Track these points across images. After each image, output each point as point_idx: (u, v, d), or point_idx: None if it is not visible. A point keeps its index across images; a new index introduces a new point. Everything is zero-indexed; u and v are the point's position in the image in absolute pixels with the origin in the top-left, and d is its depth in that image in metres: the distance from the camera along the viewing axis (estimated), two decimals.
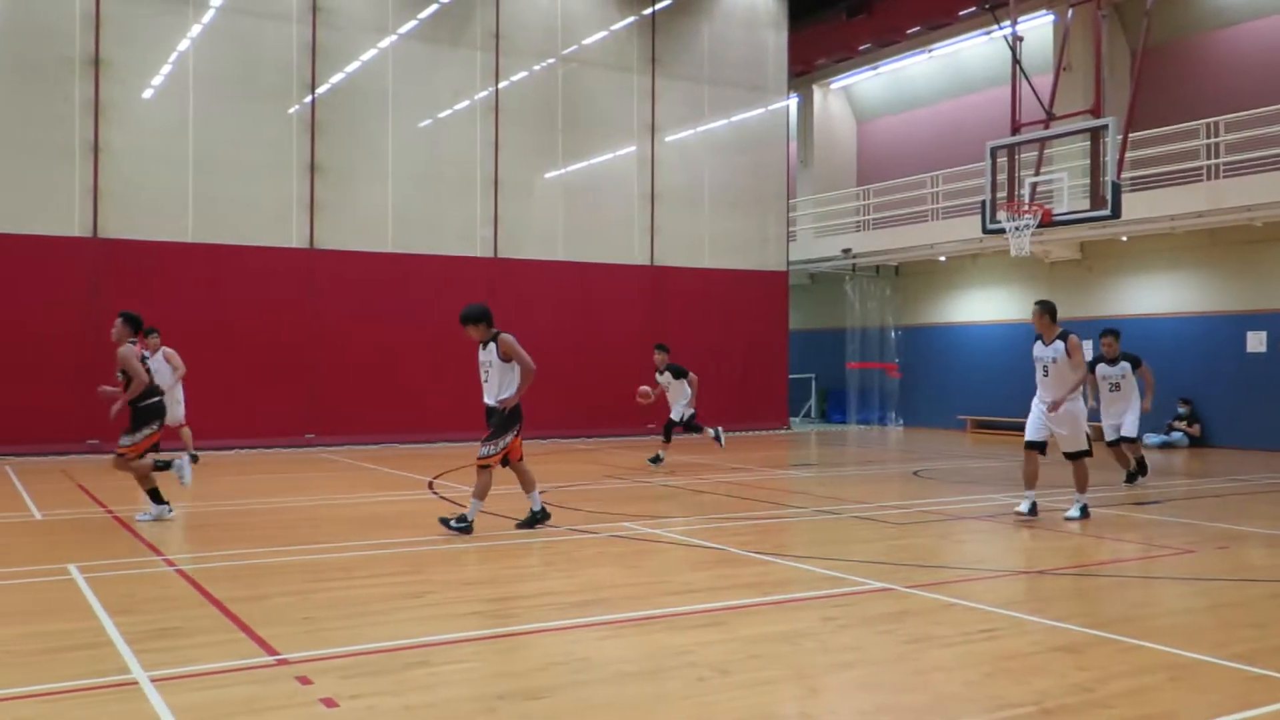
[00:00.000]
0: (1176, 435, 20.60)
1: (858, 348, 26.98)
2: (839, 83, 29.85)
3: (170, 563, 8.17)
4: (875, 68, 28.47)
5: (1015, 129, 17.33)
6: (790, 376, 25.60)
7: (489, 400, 9.62)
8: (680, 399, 16.47)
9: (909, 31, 26.44)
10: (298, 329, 19.32)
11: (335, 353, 19.54)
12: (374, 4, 20.38)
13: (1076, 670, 5.36)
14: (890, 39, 27.01)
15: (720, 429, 16.99)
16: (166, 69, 18.72)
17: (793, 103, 28.39)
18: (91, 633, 6.03)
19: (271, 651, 5.60)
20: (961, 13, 24.73)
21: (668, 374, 16.48)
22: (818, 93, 29.84)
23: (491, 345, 9.59)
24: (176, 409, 14.79)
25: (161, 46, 18.65)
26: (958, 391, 25.27)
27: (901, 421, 26.62)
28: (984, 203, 17.44)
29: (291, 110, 19.56)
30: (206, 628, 6.19)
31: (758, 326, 24.27)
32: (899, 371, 26.57)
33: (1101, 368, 13.86)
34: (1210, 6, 22.49)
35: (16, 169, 17.41)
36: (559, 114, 22.13)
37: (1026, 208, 16.88)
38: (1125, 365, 13.77)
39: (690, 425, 16.64)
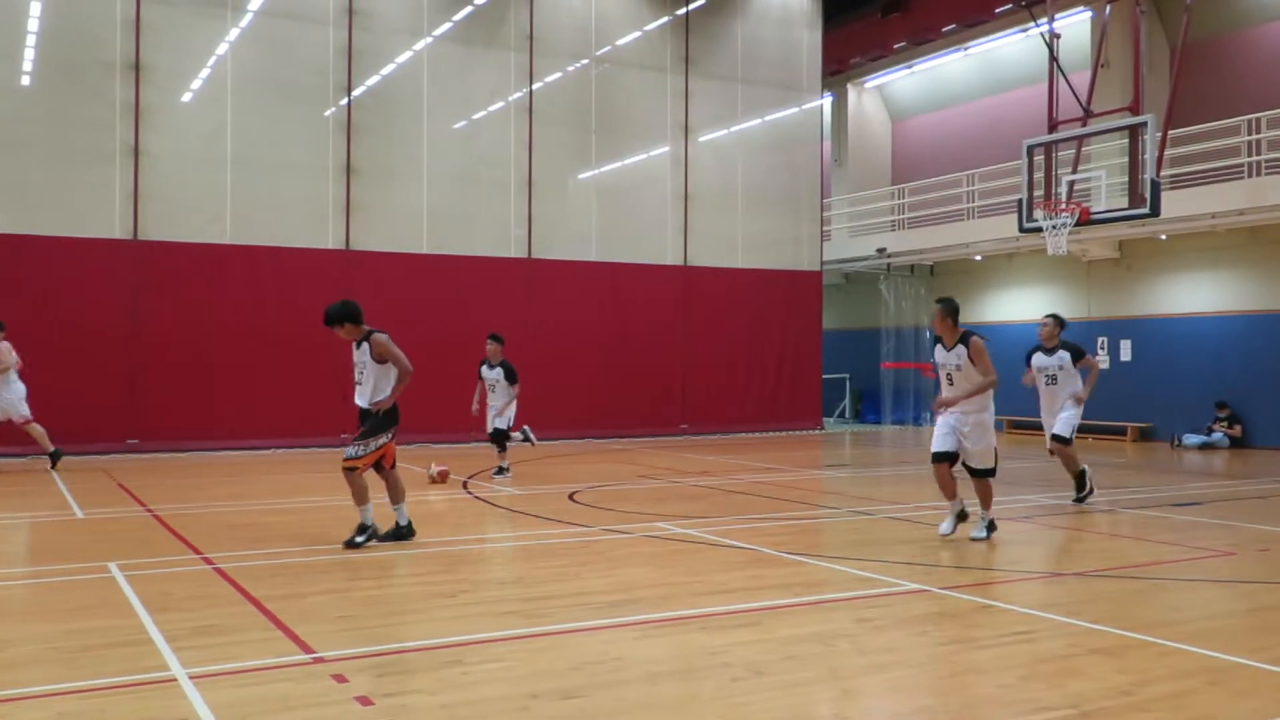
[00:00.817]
0: (1217, 436, 20.34)
1: (892, 347, 26.83)
2: (873, 81, 29.70)
3: (208, 561, 8.26)
4: (910, 66, 28.31)
5: (1052, 127, 17.18)
6: (824, 376, 25.50)
7: (361, 402, 8.98)
8: (500, 401, 14.41)
9: (944, 29, 26.27)
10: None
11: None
12: (409, 7, 20.50)
13: (1115, 673, 5.31)
14: (925, 37, 26.85)
15: (528, 427, 15.12)
16: (205, 73, 18.93)
17: (827, 102, 28.30)
18: (131, 630, 6.11)
19: (308, 650, 5.65)
20: (998, 10, 24.53)
21: (499, 370, 14.35)
22: (852, 91, 29.72)
23: (365, 345, 9.00)
24: (16, 404, 14.95)
25: (200, 51, 18.85)
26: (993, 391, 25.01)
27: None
28: (1020, 201, 17.30)
29: (328, 113, 19.72)
30: (244, 625, 6.25)
31: (791, 326, 24.18)
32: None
33: (1038, 358, 11.96)
34: (1252, 2, 22.18)
35: (60, 173, 17.66)
36: (592, 115, 22.17)
37: (1064, 206, 16.73)
38: (1064, 355, 11.80)
39: (505, 434, 14.52)
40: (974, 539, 9.22)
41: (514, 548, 9.05)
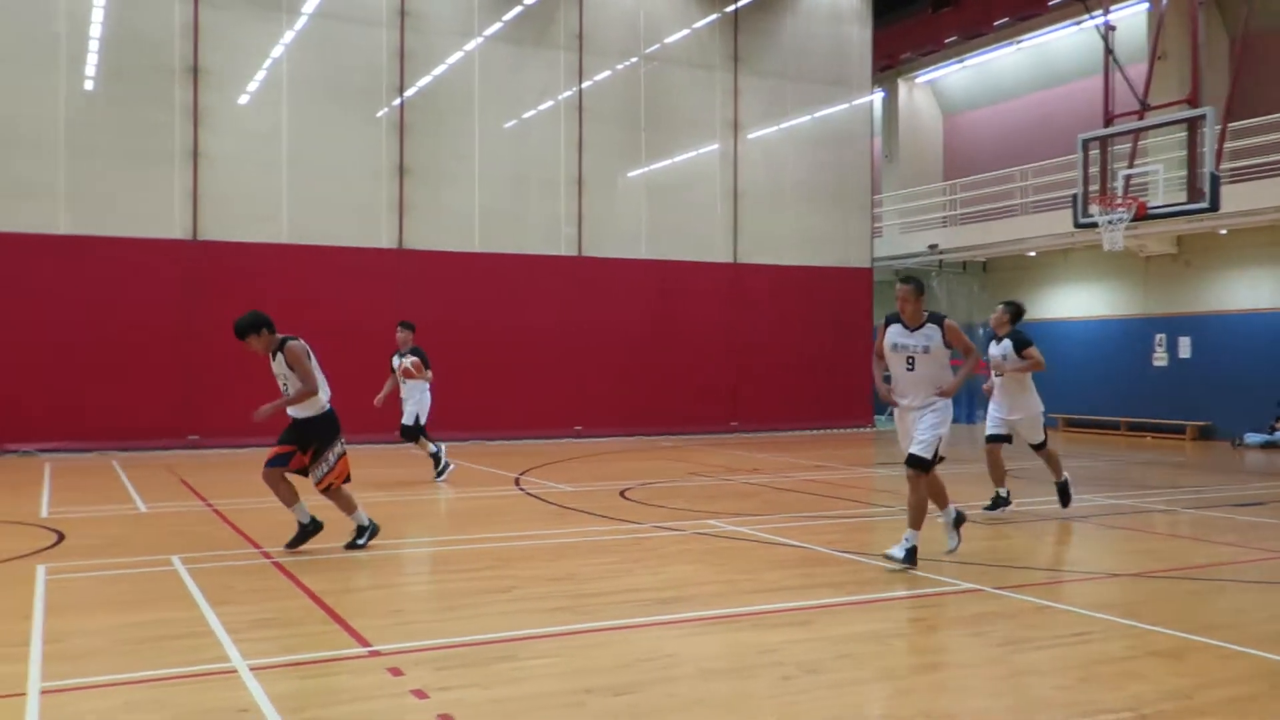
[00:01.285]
0: None
1: None
2: (924, 76, 29.44)
3: (267, 555, 8.40)
4: (962, 60, 28.02)
5: (1108, 120, 16.93)
6: None
7: (295, 414, 8.56)
8: (415, 393, 13.72)
9: (996, 23, 25.97)
10: (385, 327, 19.61)
11: (423, 350, 19.80)
12: (460, 7, 20.65)
13: (1174, 676, 5.24)
14: (977, 31, 26.55)
15: (445, 459, 13.86)
16: (261, 75, 19.21)
17: (877, 97, 28.09)
18: (193, 622, 6.24)
19: (364, 643, 5.74)
20: (1051, 2, 24.21)
21: (410, 358, 13.61)
22: (902, 87, 29.48)
23: (280, 356, 8.51)
24: None
25: (256, 54, 19.14)
26: (1049, 389, 24.43)
27: None
28: (1075, 196, 17.07)
29: (380, 113, 19.93)
30: (301, 619, 6.36)
31: (842, 323, 24.05)
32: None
33: (990, 347, 10.96)
34: None
35: (123, 175, 18.01)
36: (641, 112, 22.20)
37: (1120, 201, 16.48)
38: (1007, 345, 10.73)
39: (417, 430, 13.71)
40: (949, 551, 8.25)
41: (565, 544, 9.10)
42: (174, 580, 7.44)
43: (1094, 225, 16.81)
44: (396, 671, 5.22)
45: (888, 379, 8.18)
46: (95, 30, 18.01)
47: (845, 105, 24.41)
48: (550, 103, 21.43)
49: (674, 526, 9.90)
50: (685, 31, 22.63)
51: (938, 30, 27.15)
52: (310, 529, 8.61)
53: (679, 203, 22.61)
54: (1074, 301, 24.68)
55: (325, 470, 8.51)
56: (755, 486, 13.37)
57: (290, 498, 8.53)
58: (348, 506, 8.68)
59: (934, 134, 30.04)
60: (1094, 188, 16.72)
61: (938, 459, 7.92)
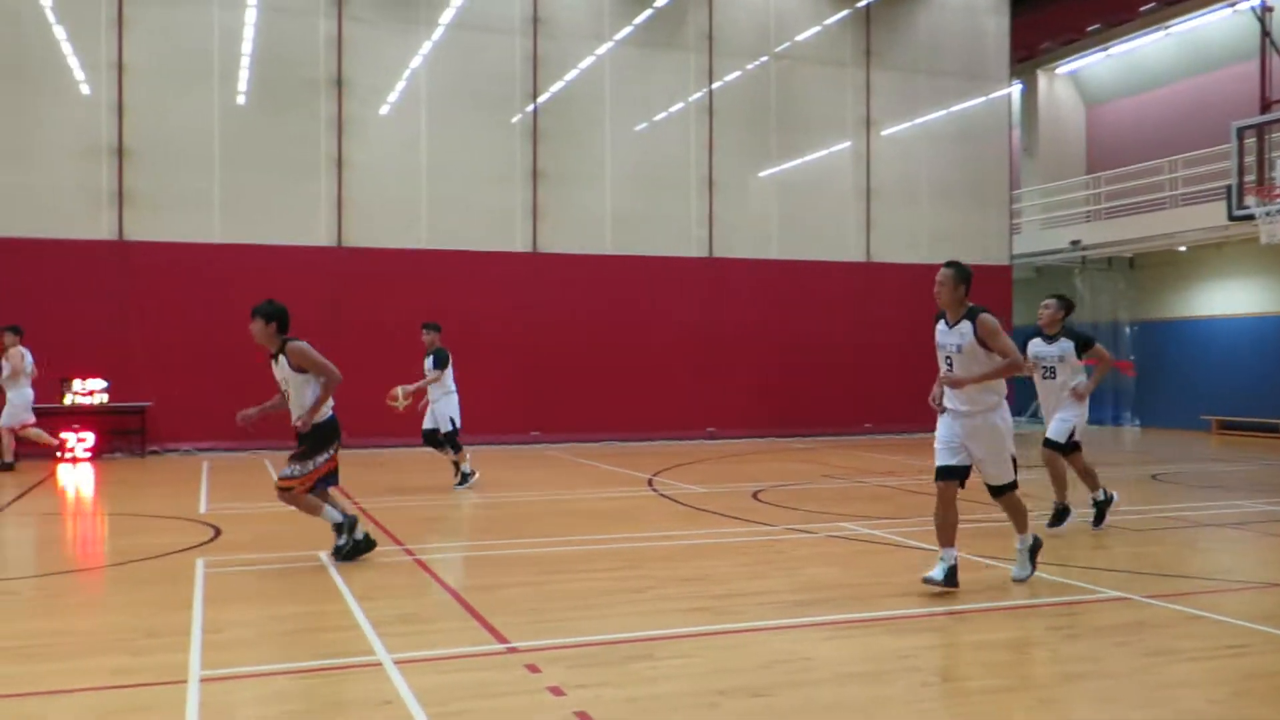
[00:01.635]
0: None
1: None
2: (1065, 66, 28.49)
3: (409, 552, 8.66)
4: (1106, 48, 27.02)
5: (1265, 106, 16.16)
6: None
7: (295, 420, 8.20)
8: (440, 397, 13.12)
9: (1142, 9, 24.97)
10: (522, 330, 20.06)
11: (556, 352, 20.17)
12: (591, 12, 20.91)
13: None
14: (1122, 18, 25.58)
15: (470, 469, 13.22)
16: (400, 86, 19.81)
17: (1015, 90, 27.30)
18: (340, 615, 6.48)
19: (502, 640, 5.87)
20: None
21: (430, 360, 13.15)
22: (1042, 78, 28.58)
23: (282, 357, 8.16)
24: (21, 411, 15.62)
25: (396, 65, 19.75)
26: (1201, 390, 23.70)
27: (1138, 422, 25.17)
28: (1230, 187, 16.33)
29: (515, 119, 20.33)
30: (442, 615, 6.54)
31: None
32: (1134, 369, 25.13)
33: (1035, 345, 9.85)
34: None
35: (272, 184, 18.83)
36: (772, 112, 22.10)
37: (1279, 191, 15.69)
38: (1066, 345, 9.69)
39: (448, 438, 13.07)
40: (1016, 579, 7.40)
41: (698, 545, 9.12)
42: (322, 575, 7.73)
43: (1250, 217, 16.07)
44: (534, 668, 5.33)
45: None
46: (246, 48, 18.86)
47: (982, 99, 23.82)
48: (680, 105, 21.51)
49: (807, 529, 9.83)
50: (816, 29, 22.43)
51: (1079, 18, 26.26)
52: (364, 545, 8.18)
53: (810, 202, 22.42)
54: (1228, 297, 23.56)
55: (299, 473, 7.99)
56: (889, 489, 13.17)
57: (313, 509, 8.14)
58: (313, 509, 8.13)
59: (1076, 126, 29.05)
60: (1250, 178, 15.97)
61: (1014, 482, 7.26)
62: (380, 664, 5.41)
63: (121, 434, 17.77)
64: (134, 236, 18.06)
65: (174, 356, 18.04)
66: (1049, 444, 9.73)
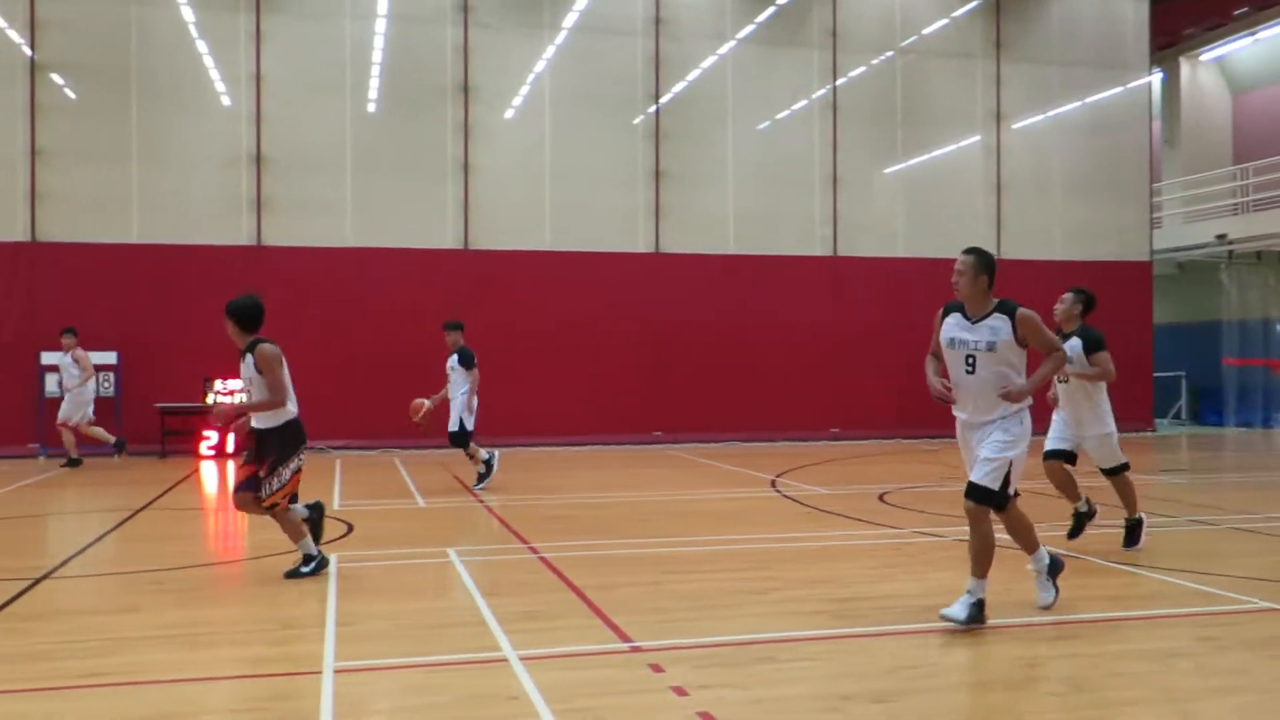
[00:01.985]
0: None
1: (1235, 342, 24.52)
2: (1210, 53, 27.26)
3: (534, 550, 8.77)
4: (1253, 33, 25.76)
5: None
6: (1156, 375, 23.70)
7: (257, 423, 7.81)
8: (458, 397, 12.97)
9: None
10: (644, 330, 20.15)
11: (679, 353, 20.20)
12: (713, 12, 20.88)
13: None
14: (1270, 0, 24.35)
15: (495, 456, 13.31)
16: (525, 90, 20.12)
17: (1155, 79, 26.26)
18: (467, 611, 6.60)
19: (625, 638, 5.89)
20: None
21: (453, 359, 12.98)
22: (1185, 66, 27.41)
23: (250, 357, 7.63)
24: (85, 408, 16.03)
25: (520, 70, 20.07)
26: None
27: None
28: None
29: (637, 120, 20.44)
30: (566, 612, 6.60)
31: (1117, 320, 22.47)
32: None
33: None
34: None
35: (401, 189, 19.34)
36: (898, 107, 21.72)
37: None
38: (1077, 344, 8.67)
39: (456, 438, 13.04)
40: (1042, 607, 6.56)
41: (823, 547, 9.01)
42: (450, 571, 7.89)
43: None
44: (657, 668, 5.34)
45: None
46: (376, 57, 19.41)
47: (1119, 89, 22.98)
48: (803, 102, 21.32)
49: (935, 532, 9.63)
50: (944, 21, 21.97)
51: (1225, 3, 25.09)
52: (320, 564, 7.75)
53: (938, 199, 21.97)
54: None
55: (276, 486, 7.60)
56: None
57: (296, 532, 7.78)
58: (295, 533, 7.74)
59: (1221, 115, 27.77)
60: None
61: (1012, 493, 6.37)
62: (506, 660, 5.49)
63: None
64: (271, 241, 18.76)
65: (308, 357, 18.61)
66: (1111, 473, 8.77)
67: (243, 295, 7.73)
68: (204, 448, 17.73)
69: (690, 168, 20.62)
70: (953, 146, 22.28)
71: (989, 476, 6.19)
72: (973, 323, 6.39)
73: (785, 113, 21.30)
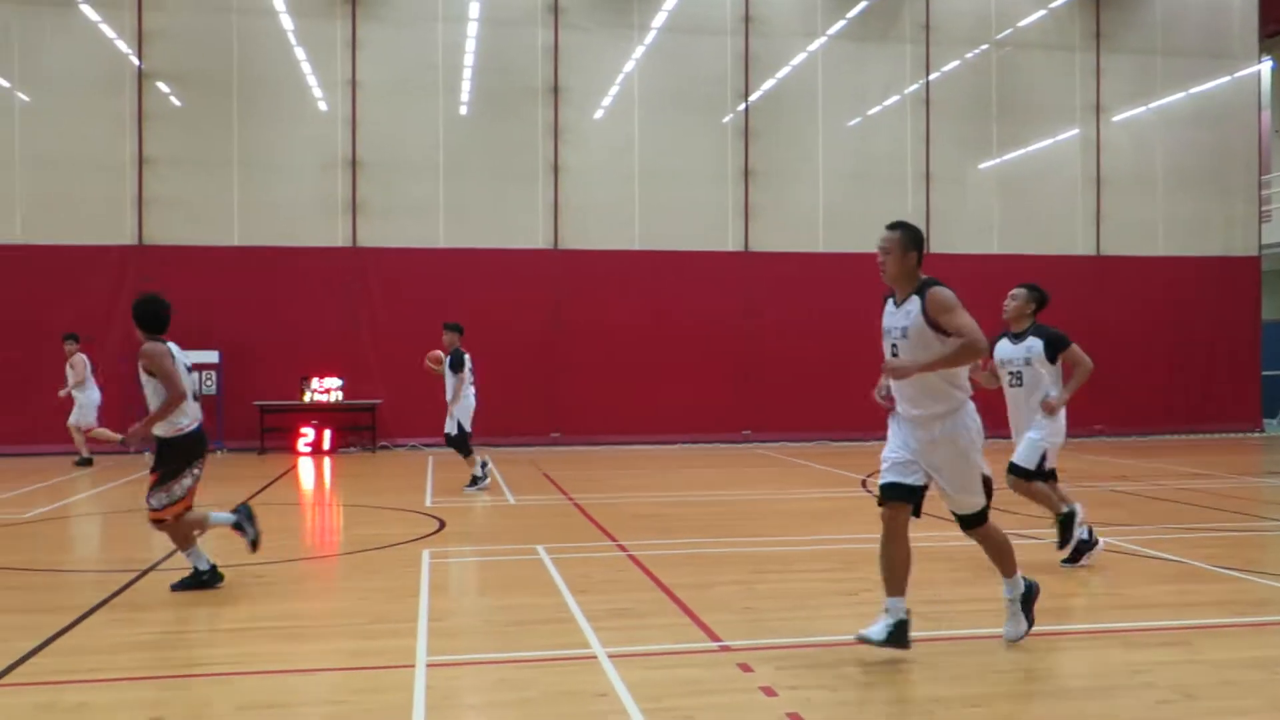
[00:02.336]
0: None
1: None
2: None
3: (623, 548, 8.80)
4: None
5: None
6: (1264, 373, 22.86)
7: (156, 431, 7.28)
8: (455, 399, 12.74)
9: None
10: (733, 329, 20.09)
11: (768, 351, 20.10)
12: (803, 8, 20.72)
13: None
14: None
15: (489, 464, 13.28)
16: (614, 90, 20.20)
17: (1264, 67, 25.31)
18: (556, 608, 6.64)
19: (715, 638, 5.87)
20: None
21: (447, 362, 12.80)
22: None
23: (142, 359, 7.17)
24: (89, 411, 16.06)
25: (609, 70, 20.15)
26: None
27: None
28: None
29: (726, 119, 20.38)
30: (655, 611, 6.61)
31: (1223, 318, 21.89)
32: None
33: (1000, 346, 8.16)
34: None
35: (492, 190, 19.57)
36: (993, 101, 21.31)
37: None
38: (1034, 345, 7.99)
39: (454, 441, 12.79)
40: (1009, 640, 5.76)
41: (913, 549, 8.86)
42: (539, 568, 7.96)
43: None
44: (746, 668, 5.31)
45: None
46: (468, 60, 19.68)
47: (1226, 78, 22.22)
48: (895, 98, 21.04)
49: (1030, 534, 9.42)
50: (1041, 12, 21.49)
51: None
52: (206, 578, 7.28)
53: (1034, 194, 21.51)
54: None
55: (166, 501, 7.16)
56: (1121, 494, 12.46)
57: (184, 541, 7.32)
58: (183, 542, 7.31)
59: None
60: None
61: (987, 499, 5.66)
62: (595, 657, 5.52)
63: (355, 430, 18.84)
64: (366, 243, 19.13)
65: (402, 356, 18.95)
66: (1015, 470, 8.10)
67: (144, 295, 7.39)
68: (301, 444, 18.16)
69: (780, 166, 20.50)
70: (1049, 141, 21.78)
71: (973, 496, 5.60)
72: (897, 307, 5.60)
73: (876, 109, 21.04)
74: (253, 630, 6.21)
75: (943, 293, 5.43)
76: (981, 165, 21.55)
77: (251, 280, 18.60)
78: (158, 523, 7.21)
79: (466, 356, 12.88)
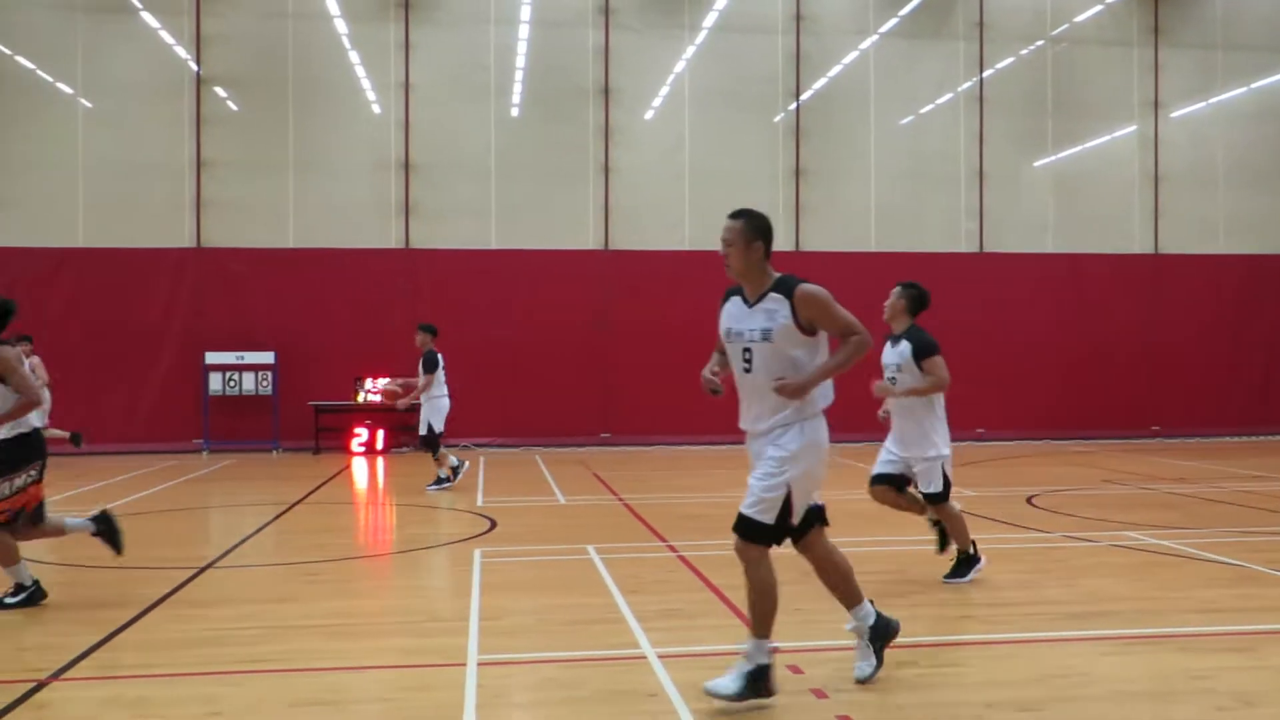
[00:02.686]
0: None
1: None
2: None
3: (672, 549, 8.81)
4: None
5: None
6: None
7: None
8: (424, 400, 12.94)
9: None
10: None
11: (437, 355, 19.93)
12: (855, 6, 20.59)
13: None
14: None
15: (464, 464, 13.36)
16: (664, 91, 20.21)
17: None
18: (606, 608, 6.67)
19: None
20: None
21: (420, 364, 12.98)
22: None
23: None
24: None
25: (660, 71, 20.17)
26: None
27: None
28: None
29: (777, 118, 20.31)
30: (705, 611, 6.61)
31: None
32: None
33: (884, 350, 7.65)
34: None
35: (543, 191, 19.68)
36: (1048, 98, 21.03)
37: None
38: (904, 349, 7.46)
39: (425, 441, 12.97)
40: (859, 679, 5.09)
41: (983, 552, 8.77)
42: (589, 568, 7.99)
43: None
44: (796, 669, 5.30)
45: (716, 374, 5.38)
46: (520, 62, 19.80)
47: None
48: (948, 95, 20.84)
49: (1087, 537, 9.29)
50: (1097, 8, 21.17)
51: None
52: (33, 594, 6.84)
53: (1090, 192, 21.19)
54: None
55: None
56: (1179, 497, 12.24)
57: (7, 558, 6.75)
58: (6, 559, 6.74)
59: None
60: None
61: (803, 523, 5.12)
62: (645, 657, 5.53)
63: (407, 430, 18.99)
64: (419, 244, 19.31)
65: (453, 357, 19.09)
66: (935, 499, 7.48)
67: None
68: (355, 444, 18.37)
69: (831, 164, 20.39)
70: (1106, 138, 21.45)
71: (758, 507, 4.92)
72: (750, 306, 5.15)
73: (929, 106, 20.86)
74: (306, 628, 6.30)
75: (814, 290, 5.02)
76: (1036, 163, 21.29)
77: (306, 281, 18.85)
78: None
79: (439, 357, 13.02)
